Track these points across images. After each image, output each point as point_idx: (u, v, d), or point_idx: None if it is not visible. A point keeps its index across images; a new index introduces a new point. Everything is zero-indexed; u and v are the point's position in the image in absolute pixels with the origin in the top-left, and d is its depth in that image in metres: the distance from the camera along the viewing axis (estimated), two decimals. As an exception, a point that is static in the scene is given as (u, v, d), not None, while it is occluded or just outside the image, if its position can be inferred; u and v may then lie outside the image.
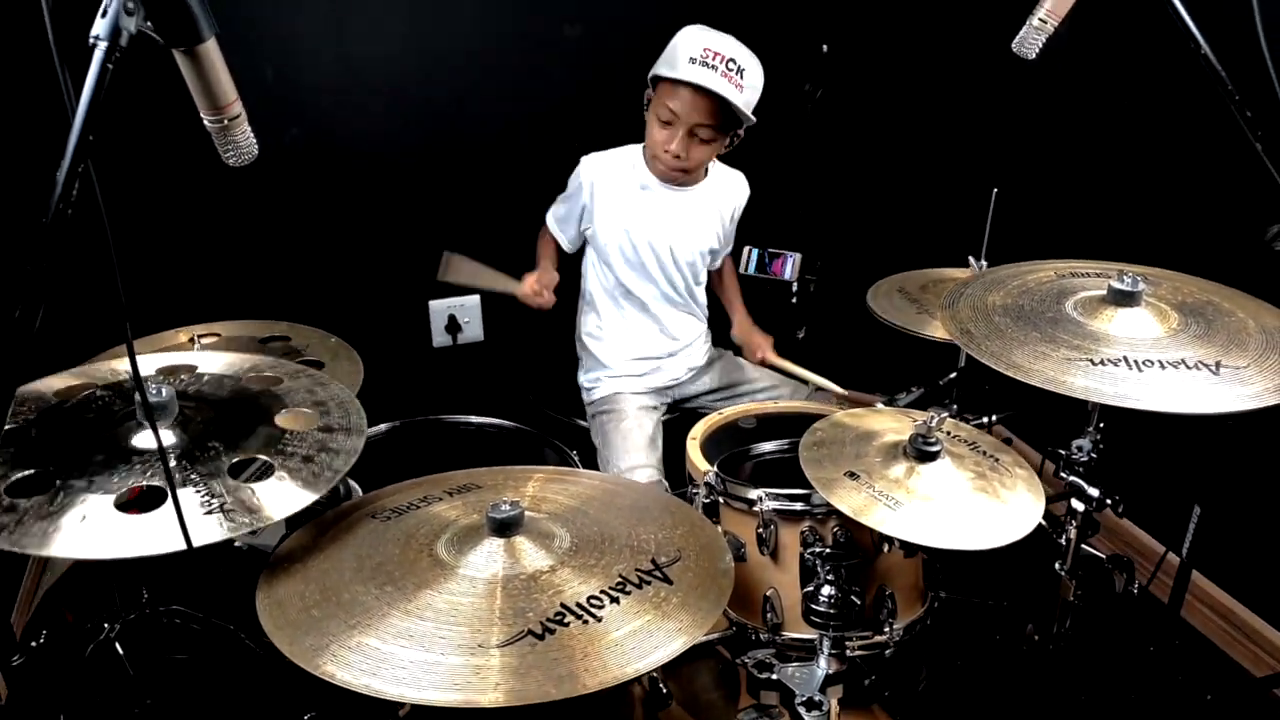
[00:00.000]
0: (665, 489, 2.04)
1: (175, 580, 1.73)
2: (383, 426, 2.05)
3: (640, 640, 1.17)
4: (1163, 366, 1.48)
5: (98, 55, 0.99)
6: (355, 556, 1.33)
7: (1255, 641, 2.24)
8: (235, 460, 1.31)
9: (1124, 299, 1.61)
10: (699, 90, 1.97)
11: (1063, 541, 1.73)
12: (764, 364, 2.33)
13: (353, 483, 1.71)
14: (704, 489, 1.75)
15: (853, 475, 1.52)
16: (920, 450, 1.54)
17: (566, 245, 2.31)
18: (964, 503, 1.49)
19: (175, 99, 1.21)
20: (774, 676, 1.62)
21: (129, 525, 1.19)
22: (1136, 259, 1.77)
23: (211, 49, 1.14)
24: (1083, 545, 1.73)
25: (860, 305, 2.29)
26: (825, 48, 2.78)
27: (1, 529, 1.15)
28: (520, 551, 1.31)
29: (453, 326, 2.84)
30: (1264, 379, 1.45)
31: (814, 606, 1.55)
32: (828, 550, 1.59)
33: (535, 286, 2.19)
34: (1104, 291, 1.64)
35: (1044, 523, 1.53)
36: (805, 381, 2.31)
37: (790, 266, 2.42)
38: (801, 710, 1.52)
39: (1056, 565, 1.75)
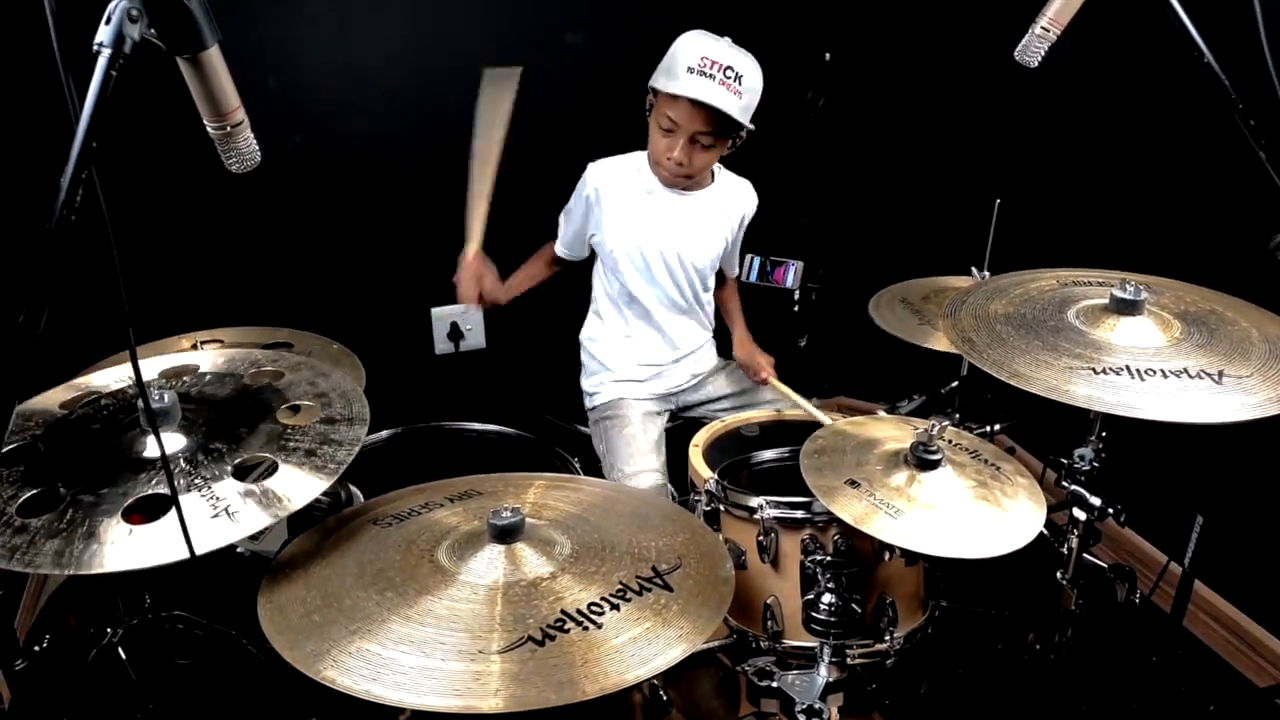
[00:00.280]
0: (671, 494, 2.04)
1: (177, 586, 1.74)
2: (384, 433, 2.06)
3: (640, 647, 1.17)
4: (1165, 375, 1.48)
5: (101, 62, 0.99)
6: (356, 562, 1.33)
7: (1258, 652, 2.23)
8: (239, 461, 1.32)
9: (1126, 308, 1.61)
10: (697, 102, 1.98)
11: (1064, 551, 1.72)
12: (764, 384, 2.32)
13: (354, 489, 1.71)
14: (705, 496, 1.75)
15: (854, 483, 1.52)
16: (922, 459, 1.53)
17: (566, 249, 2.30)
18: (965, 511, 1.49)
19: (178, 106, 1.22)
20: (774, 684, 1.61)
21: (138, 538, 1.19)
22: (1139, 268, 1.77)
23: (214, 56, 1.15)
24: (1084, 554, 1.73)
25: (862, 313, 2.28)
26: (828, 56, 2.80)
27: (14, 550, 1.15)
28: (521, 558, 1.31)
29: (455, 334, 2.85)
30: (1267, 388, 1.45)
31: (814, 614, 1.55)
32: (829, 558, 1.59)
33: (474, 268, 2.03)
34: (1106, 300, 1.64)
35: (1045, 532, 1.53)
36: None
37: (792, 275, 2.42)
38: (802, 718, 1.52)
39: (1058, 574, 1.75)
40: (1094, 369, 1.49)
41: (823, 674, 1.55)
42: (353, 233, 2.67)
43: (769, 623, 1.69)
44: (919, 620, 1.75)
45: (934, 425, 1.55)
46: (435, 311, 2.82)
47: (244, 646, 1.65)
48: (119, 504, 1.22)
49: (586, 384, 2.36)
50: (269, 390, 1.49)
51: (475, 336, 2.87)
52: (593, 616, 1.21)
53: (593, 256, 2.31)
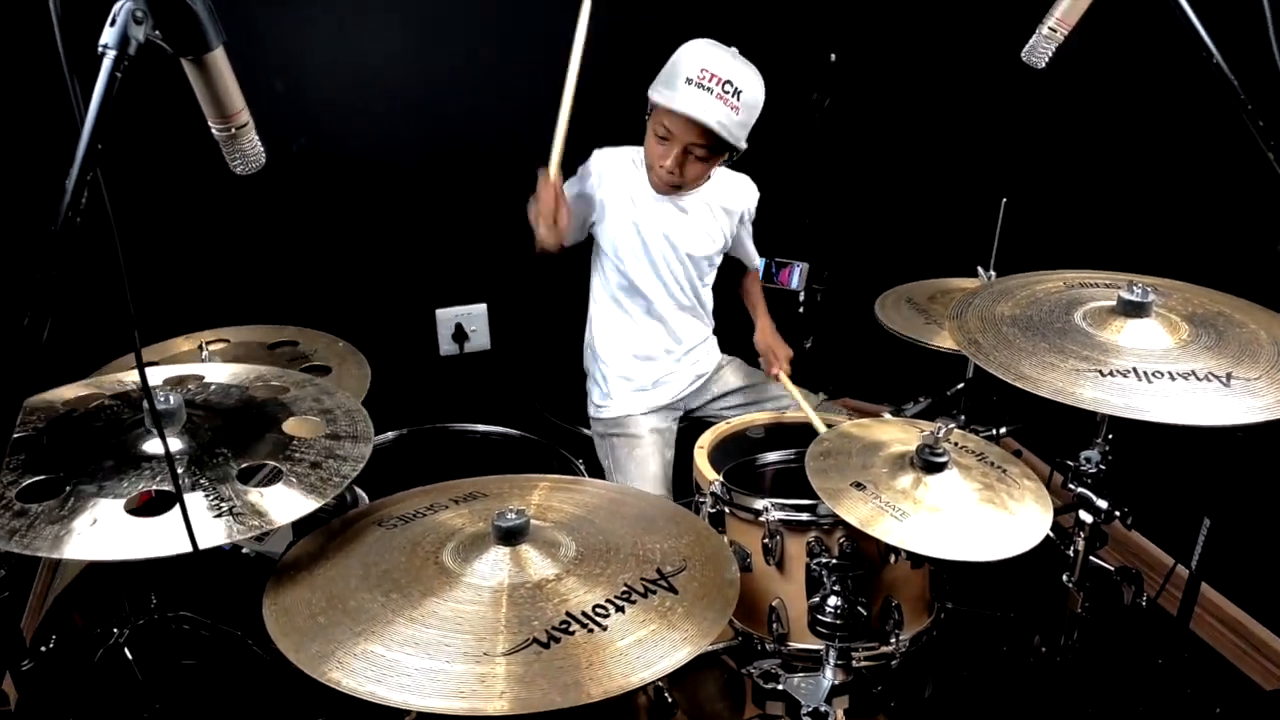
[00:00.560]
0: None
1: (184, 586, 1.74)
2: (389, 435, 2.06)
3: (645, 649, 1.17)
4: (1172, 378, 1.47)
5: (106, 64, 0.99)
6: (361, 564, 1.33)
7: (1265, 655, 2.22)
8: (244, 466, 1.32)
9: (1134, 310, 1.60)
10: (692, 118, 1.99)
11: (1071, 553, 1.72)
12: (776, 379, 2.31)
13: (360, 490, 1.71)
14: (710, 498, 1.75)
15: (859, 486, 1.52)
16: (927, 461, 1.53)
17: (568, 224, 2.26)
18: (971, 514, 1.49)
19: (183, 107, 1.22)
20: (779, 687, 1.61)
21: (138, 528, 1.19)
22: (1146, 269, 1.76)
23: (219, 58, 1.15)
24: (1091, 557, 1.72)
25: (868, 315, 2.28)
26: (833, 57, 2.79)
27: (13, 533, 1.16)
28: (526, 560, 1.31)
29: (459, 335, 2.85)
30: (1275, 391, 1.43)
31: (820, 617, 1.54)
32: (834, 561, 1.58)
33: (560, 185, 2.01)
34: (1113, 302, 1.63)
35: (1052, 534, 1.52)
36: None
37: (797, 276, 2.42)
38: (807, 721, 1.52)
39: (1064, 577, 1.74)
40: (1101, 371, 1.49)
41: (828, 677, 1.54)
42: (357, 235, 2.67)
43: (774, 625, 1.68)
44: (925, 623, 1.74)
45: (940, 427, 1.54)
46: (440, 313, 2.82)
47: (250, 647, 1.65)
48: (120, 494, 1.22)
49: (593, 396, 2.35)
50: (274, 403, 1.49)
51: (480, 338, 2.87)
52: (598, 619, 1.21)
53: (590, 256, 2.30)
